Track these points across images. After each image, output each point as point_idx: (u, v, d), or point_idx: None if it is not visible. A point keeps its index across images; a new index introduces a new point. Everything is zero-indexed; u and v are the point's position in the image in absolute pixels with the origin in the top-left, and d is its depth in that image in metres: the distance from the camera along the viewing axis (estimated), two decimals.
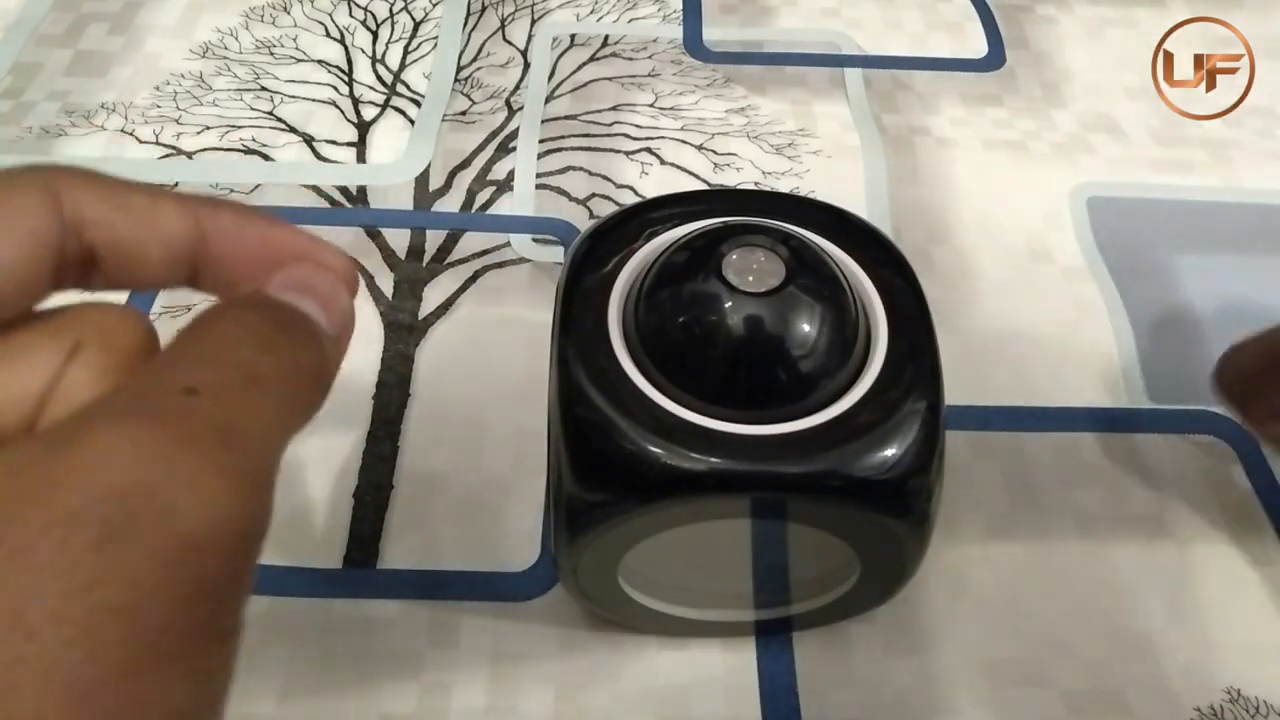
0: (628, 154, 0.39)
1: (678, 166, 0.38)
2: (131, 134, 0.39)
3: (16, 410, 0.15)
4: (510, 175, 0.38)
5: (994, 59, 0.44)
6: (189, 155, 0.38)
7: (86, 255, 0.17)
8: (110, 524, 0.12)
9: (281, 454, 0.15)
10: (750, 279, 0.20)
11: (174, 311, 0.33)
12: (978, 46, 0.44)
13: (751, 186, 0.38)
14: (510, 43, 0.43)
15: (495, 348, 0.33)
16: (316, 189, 0.37)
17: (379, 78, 0.42)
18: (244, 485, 0.14)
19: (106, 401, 0.14)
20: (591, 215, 0.37)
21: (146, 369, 0.15)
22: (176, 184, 0.37)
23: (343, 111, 0.40)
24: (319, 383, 0.17)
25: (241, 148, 0.38)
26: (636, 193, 0.37)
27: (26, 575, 0.12)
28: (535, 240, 0.36)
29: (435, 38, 0.43)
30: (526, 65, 0.42)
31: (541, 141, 0.39)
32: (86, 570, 0.12)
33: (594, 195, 0.37)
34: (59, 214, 0.16)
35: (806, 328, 0.20)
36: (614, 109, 0.41)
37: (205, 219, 0.17)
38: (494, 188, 0.37)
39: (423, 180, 0.38)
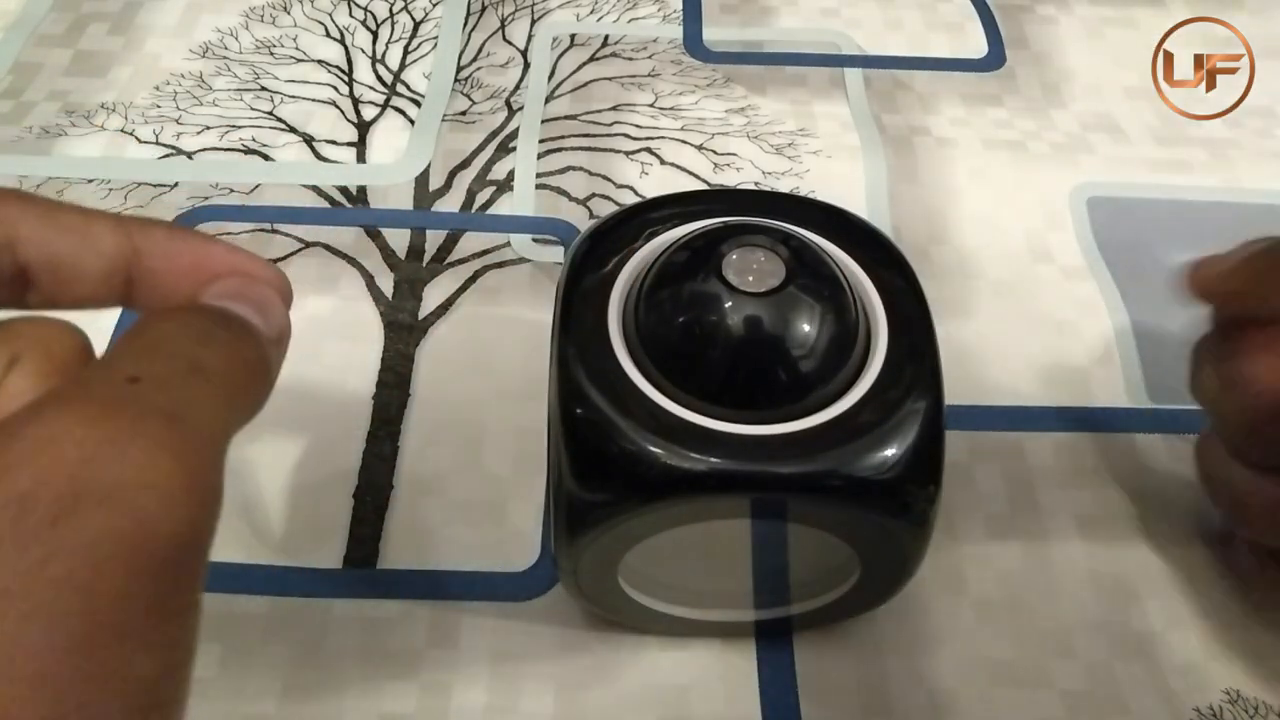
0: (628, 154, 0.39)
1: (678, 166, 0.38)
2: (131, 134, 0.39)
3: None
4: (510, 175, 0.38)
5: (994, 59, 0.44)
6: (189, 155, 0.38)
7: (20, 274, 0.17)
8: (61, 502, 0.13)
9: (227, 442, 0.15)
10: (750, 279, 0.20)
11: None
12: (978, 46, 0.44)
13: (751, 186, 0.38)
14: (510, 43, 0.43)
15: (495, 348, 0.33)
16: (316, 189, 0.37)
17: (379, 78, 0.42)
18: (191, 465, 0.14)
19: (52, 394, 0.15)
20: (591, 215, 0.37)
21: (90, 366, 0.16)
22: (176, 184, 0.37)
23: (343, 111, 0.40)
24: (261, 376, 0.17)
25: (241, 148, 0.38)
26: (636, 193, 0.37)
27: None
28: (535, 240, 0.36)
29: (435, 38, 0.43)
30: (526, 65, 0.42)
31: (541, 141, 0.39)
32: (41, 547, 0.12)
33: (594, 195, 0.37)
34: None
35: (806, 328, 0.20)
36: (614, 109, 0.41)
37: (138, 236, 0.18)
38: (494, 188, 0.37)
39: (423, 180, 0.38)
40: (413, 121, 0.40)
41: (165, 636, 0.13)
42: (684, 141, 0.39)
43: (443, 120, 0.40)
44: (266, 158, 0.38)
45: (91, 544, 0.13)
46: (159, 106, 0.40)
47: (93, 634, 0.12)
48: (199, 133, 0.39)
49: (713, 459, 0.20)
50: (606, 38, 0.44)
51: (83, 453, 0.13)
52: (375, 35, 0.44)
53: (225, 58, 0.42)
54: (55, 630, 0.12)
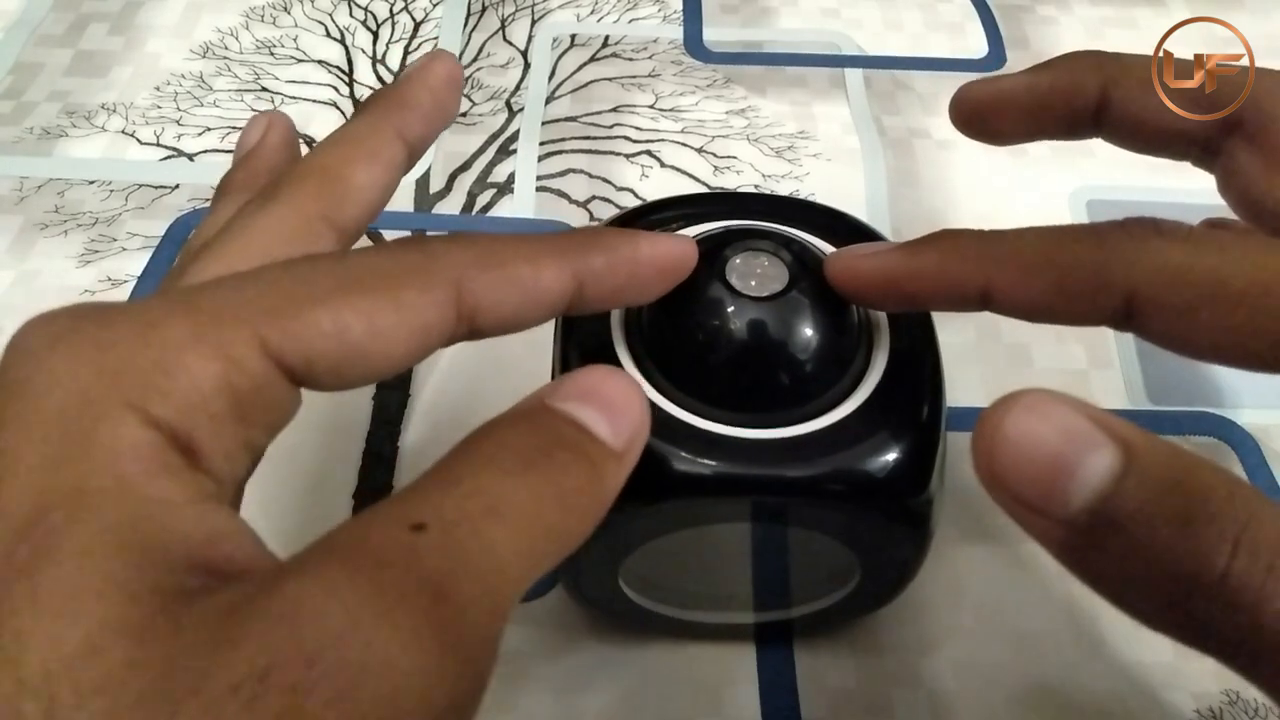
0: (628, 156, 0.39)
1: (678, 169, 0.38)
2: (132, 135, 0.39)
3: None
4: (511, 178, 0.38)
5: (994, 59, 0.44)
6: (190, 157, 0.38)
7: (466, 332, 0.16)
8: (294, 692, 0.11)
9: (518, 597, 0.14)
10: (753, 283, 0.20)
11: None
12: (978, 46, 0.44)
13: (751, 189, 0.38)
14: (510, 43, 0.43)
15: (495, 348, 0.32)
16: None
17: (379, 78, 0.42)
18: (451, 646, 0.12)
19: (330, 537, 0.13)
20: (592, 218, 0.37)
21: (389, 498, 0.14)
22: (178, 185, 0.37)
23: (343, 112, 0.40)
24: (583, 510, 0.15)
25: None
26: (637, 195, 0.37)
27: None
28: None
29: (435, 38, 0.43)
30: (527, 66, 0.42)
31: (542, 144, 0.39)
32: None
33: (594, 198, 0.37)
34: (458, 312, 0.16)
35: (809, 332, 0.20)
36: (614, 110, 0.41)
37: (581, 271, 0.17)
38: (494, 190, 0.37)
39: (423, 183, 0.38)
40: None
41: None
42: (684, 144, 0.39)
43: None
44: None
45: None
46: (159, 107, 0.40)
47: None
48: (200, 134, 0.39)
49: (714, 462, 0.20)
50: (607, 38, 0.44)
51: (327, 627, 0.11)
52: (376, 35, 0.44)
53: (226, 58, 0.42)
54: None
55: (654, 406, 0.20)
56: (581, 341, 0.22)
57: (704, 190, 0.37)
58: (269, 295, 0.15)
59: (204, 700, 0.11)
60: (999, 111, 0.24)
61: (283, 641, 0.11)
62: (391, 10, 0.45)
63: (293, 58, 0.42)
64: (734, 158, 0.39)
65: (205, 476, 0.14)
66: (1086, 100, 0.24)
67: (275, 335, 0.14)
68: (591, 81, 0.42)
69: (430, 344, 0.16)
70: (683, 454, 0.20)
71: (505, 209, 0.37)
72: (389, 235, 0.36)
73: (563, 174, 0.38)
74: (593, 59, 0.43)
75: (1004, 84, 0.24)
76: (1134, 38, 0.44)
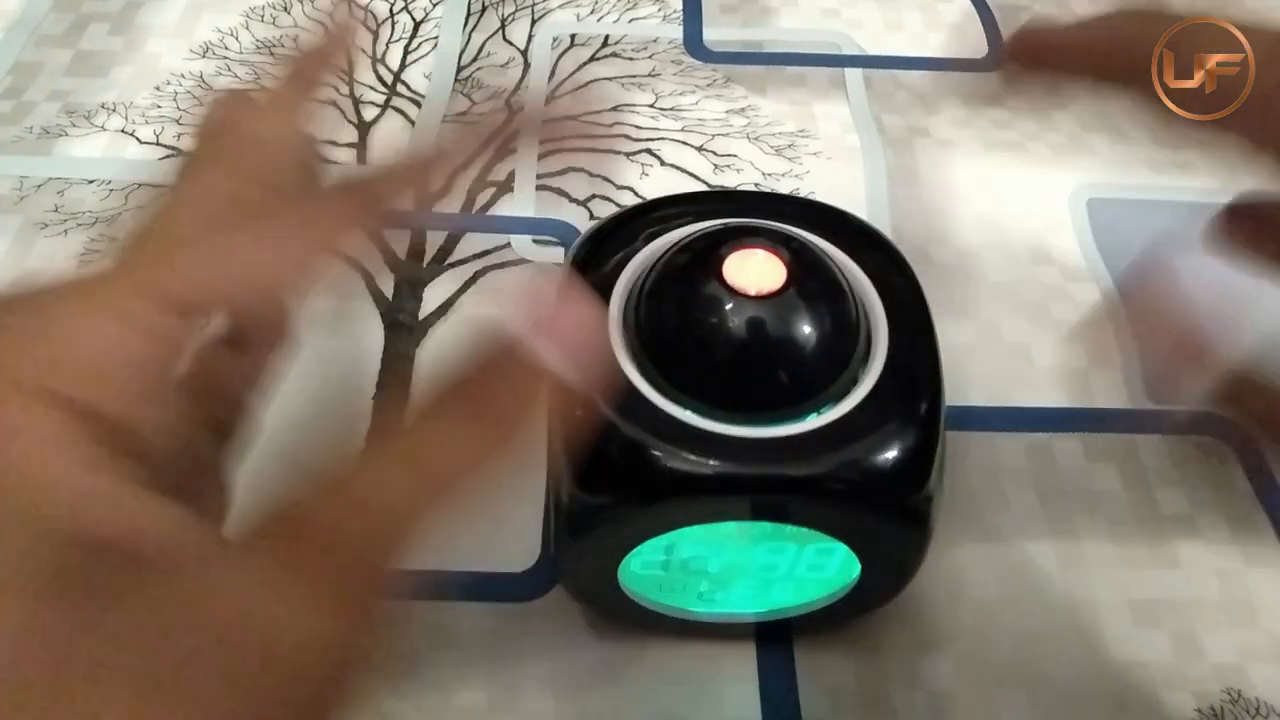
0: (628, 155, 0.39)
1: (678, 168, 0.38)
2: (132, 134, 0.39)
3: None
4: (510, 176, 0.38)
5: (994, 59, 0.44)
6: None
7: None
8: (222, 663, 0.12)
9: (421, 546, 0.15)
10: (751, 282, 0.20)
11: None
12: (978, 46, 0.44)
13: (751, 188, 0.38)
14: (510, 43, 0.43)
15: None
16: None
17: (379, 78, 0.42)
18: (345, 605, 0.13)
19: (261, 511, 0.14)
20: (592, 216, 0.37)
21: (319, 473, 0.15)
22: None
23: (343, 112, 0.40)
24: (499, 444, 0.16)
25: None
26: (637, 194, 0.37)
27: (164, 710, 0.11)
28: (535, 241, 0.36)
29: (435, 38, 0.43)
30: (527, 65, 0.42)
31: (542, 143, 0.39)
32: (204, 708, 0.12)
33: (594, 196, 0.37)
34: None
35: (807, 330, 0.20)
36: (614, 109, 0.41)
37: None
38: (494, 189, 0.37)
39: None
40: (413, 122, 0.40)
41: None
42: (684, 143, 0.39)
43: (443, 121, 0.40)
44: None
45: (239, 709, 0.12)
46: (159, 107, 0.40)
47: None
48: None
49: (713, 461, 0.20)
50: (607, 38, 0.44)
51: (242, 604, 0.12)
52: (375, 35, 0.44)
53: (226, 58, 0.42)
54: None
55: (653, 406, 0.20)
56: None
57: (704, 189, 0.37)
58: (169, 258, 0.15)
59: (101, 687, 0.11)
60: (1059, 59, 0.25)
61: (210, 617, 0.12)
62: (391, 10, 0.45)
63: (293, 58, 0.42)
64: (734, 156, 0.39)
65: (127, 458, 0.14)
66: (1146, 54, 0.24)
67: (178, 290, 0.14)
68: (592, 81, 0.42)
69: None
70: (681, 453, 0.20)
71: (505, 207, 0.37)
72: (387, 234, 0.36)
73: (562, 172, 0.38)
74: (593, 59, 0.43)
75: (1066, 36, 0.25)
76: None
